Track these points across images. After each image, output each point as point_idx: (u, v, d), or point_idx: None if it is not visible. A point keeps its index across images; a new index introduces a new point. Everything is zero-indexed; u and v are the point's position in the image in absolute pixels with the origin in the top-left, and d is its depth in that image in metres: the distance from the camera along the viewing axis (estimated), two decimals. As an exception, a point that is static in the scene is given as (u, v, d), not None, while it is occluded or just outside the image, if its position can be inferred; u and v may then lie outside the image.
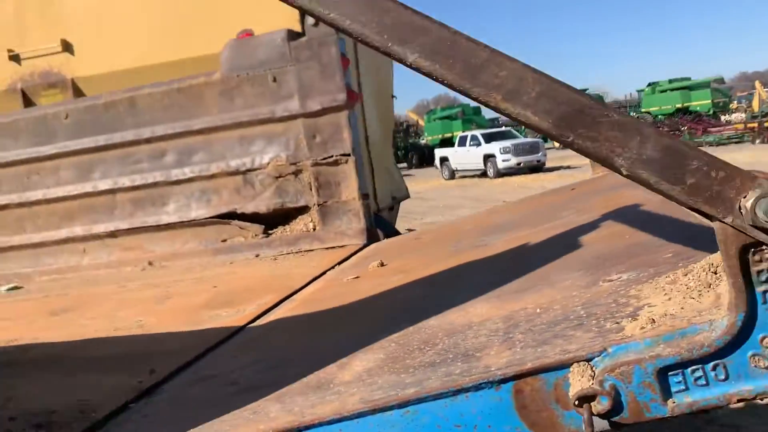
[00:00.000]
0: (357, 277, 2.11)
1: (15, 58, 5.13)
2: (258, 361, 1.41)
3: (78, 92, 5.04)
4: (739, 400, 0.76)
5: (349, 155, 3.05)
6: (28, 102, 5.14)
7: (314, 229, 3.14)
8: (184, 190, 3.25)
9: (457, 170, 26.90)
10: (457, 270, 1.82)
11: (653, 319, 0.81)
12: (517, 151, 23.85)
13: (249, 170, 3.16)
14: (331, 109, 3.05)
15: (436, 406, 0.82)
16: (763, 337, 0.75)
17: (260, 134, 3.14)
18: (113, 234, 3.35)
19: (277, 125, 3.12)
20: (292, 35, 3.08)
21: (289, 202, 3.15)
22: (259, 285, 2.35)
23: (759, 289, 0.74)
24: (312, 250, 3.07)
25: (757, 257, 0.73)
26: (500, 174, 24.20)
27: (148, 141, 3.25)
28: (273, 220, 3.19)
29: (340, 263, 2.64)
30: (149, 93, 3.27)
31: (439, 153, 28.27)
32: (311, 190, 3.11)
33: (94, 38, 5.03)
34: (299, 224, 3.16)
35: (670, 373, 0.77)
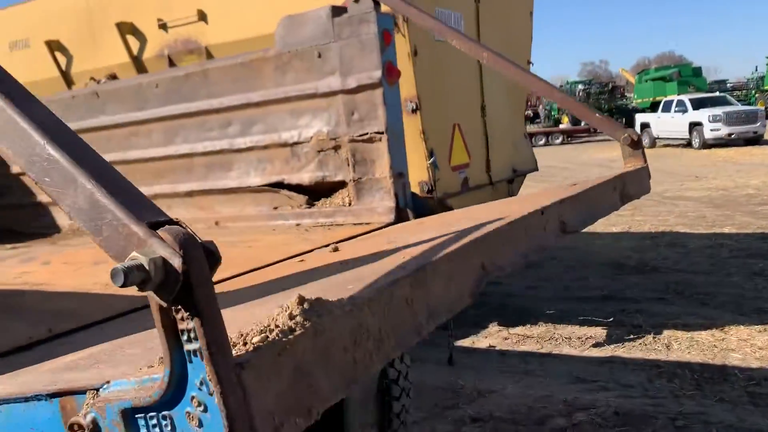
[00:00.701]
0: (302, 261, 2.16)
1: (163, 26, 5.75)
2: None
3: (211, 58, 5.54)
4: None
5: (382, 133, 3.05)
6: (173, 66, 5.77)
7: (350, 204, 3.21)
8: (245, 158, 3.49)
9: (658, 138, 24.74)
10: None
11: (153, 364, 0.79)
12: (730, 120, 21.24)
13: (296, 143, 3.30)
14: (368, 87, 3.06)
15: (16, 408, 0.89)
16: (193, 397, 0.70)
17: (306, 109, 3.25)
18: (190, 194, 3.72)
19: (320, 100, 3.21)
20: (337, 11, 3.12)
21: (329, 176, 3.24)
22: (245, 256, 2.50)
23: (186, 348, 0.69)
24: (343, 225, 3.16)
25: (180, 316, 0.68)
26: (707, 145, 21.80)
27: (217, 111, 3.53)
28: (316, 192, 3.32)
29: (345, 240, 2.69)
30: (219, 66, 3.53)
31: (639, 118, 26.16)
32: (348, 165, 3.17)
33: (225, 8, 5.47)
34: (338, 198, 3.25)
35: (137, 416, 0.76)
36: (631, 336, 5.52)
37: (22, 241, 4.07)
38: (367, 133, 3.09)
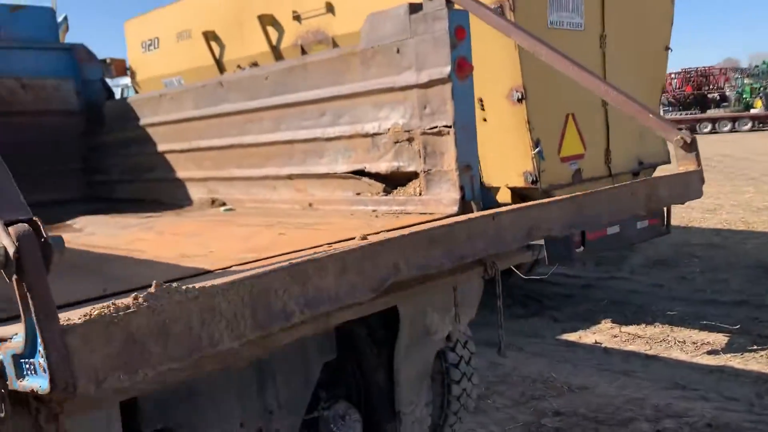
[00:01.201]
0: (328, 247, 2.38)
1: (297, 18, 6.19)
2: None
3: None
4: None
5: (450, 127, 3.16)
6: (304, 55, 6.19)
7: (420, 194, 3.37)
8: (334, 146, 3.77)
9: None
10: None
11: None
12: None
13: (376, 134, 3.51)
14: (438, 81, 3.18)
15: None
16: (40, 351, 0.95)
17: (386, 102, 3.45)
18: (290, 176, 4.08)
19: (398, 94, 3.38)
20: (414, 8, 3.26)
21: (403, 166, 3.42)
22: (295, 241, 2.77)
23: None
24: (412, 213, 3.33)
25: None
26: None
27: (313, 102, 3.84)
28: (392, 180, 3.51)
29: (396, 229, 2.87)
30: (316, 60, 3.82)
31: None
32: (420, 157, 3.33)
33: (350, 0, 5.75)
34: (410, 188, 3.42)
35: (21, 360, 1.02)
36: (754, 346, 5.11)
37: (159, 211, 4.70)
38: (436, 127, 3.22)
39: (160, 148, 5.21)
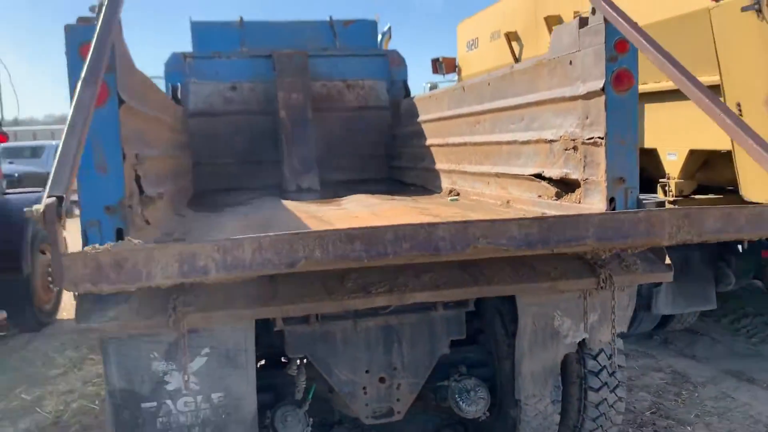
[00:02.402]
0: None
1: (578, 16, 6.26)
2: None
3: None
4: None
5: (602, 138, 3.21)
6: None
7: (579, 202, 3.46)
8: (526, 150, 4.04)
9: None
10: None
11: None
12: None
13: (553, 140, 3.69)
14: (595, 93, 3.24)
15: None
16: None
17: (561, 110, 3.60)
18: (497, 175, 4.47)
19: (569, 104, 3.51)
20: (583, 22, 3.34)
21: (570, 173, 3.54)
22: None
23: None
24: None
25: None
26: None
27: (515, 108, 4.15)
28: (564, 186, 3.65)
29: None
30: (518, 69, 4.11)
31: None
32: (582, 165, 3.42)
33: None
34: (574, 195, 3.53)
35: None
36: None
37: (410, 195, 5.54)
38: (593, 137, 3.29)
39: (427, 142, 6.03)
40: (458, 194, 5.17)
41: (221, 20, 7.31)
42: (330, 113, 7.38)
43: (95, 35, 2.46)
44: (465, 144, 5.05)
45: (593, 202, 3.33)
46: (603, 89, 3.18)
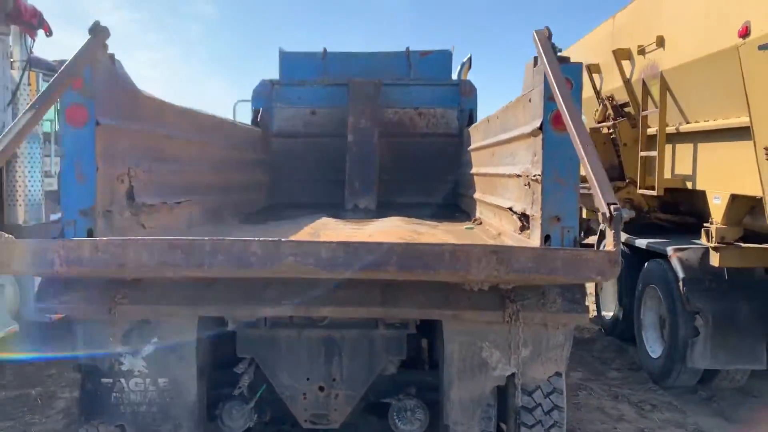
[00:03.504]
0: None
1: (641, 52, 6.09)
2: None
3: (664, 83, 5.65)
4: None
5: (539, 176, 3.25)
6: (646, 92, 6.08)
7: (529, 237, 3.50)
8: (508, 184, 4.11)
9: None
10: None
11: None
12: None
13: (518, 175, 3.75)
14: (537, 132, 3.29)
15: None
16: None
17: (523, 147, 3.66)
18: (497, 206, 4.55)
19: (526, 141, 3.58)
20: (535, 61, 3.41)
21: (526, 208, 3.59)
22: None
23: None
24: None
25: None
26: None
27: (505, 142, 4.24)
28: (525, 221, 3.69)
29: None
30: (509, 104, 4.20)
31: None
32: (530, 202, 3.47)
33: (677, 32, 5.43)
34: (529, 230, 3.56)
35: None
36: None
37: (446, 221, 5.69)
38: (536, 175, 3.34)
39: (471, 170, 6.17)
40: (480, 222, 5.27)
41: (307, 51, 7.95)
42: (401, 139, 7.73)
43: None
44: (484, 175, 5.16)
45: (535, 238, 3.37)
46: (540, 128, 3.23)
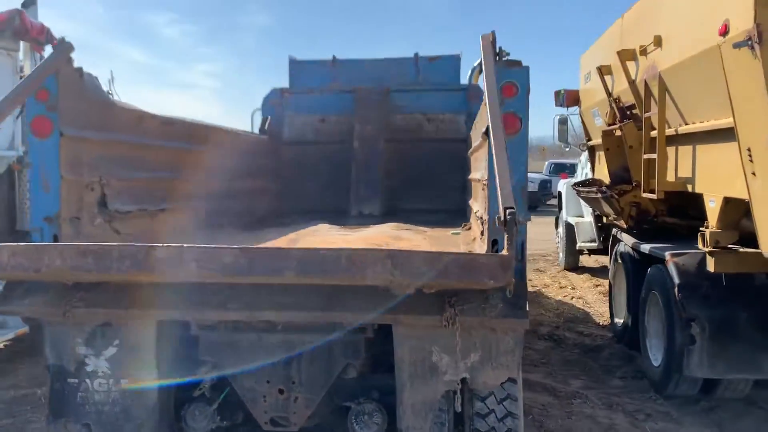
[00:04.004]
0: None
1: (643, 52, 5.94)
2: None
3: (662, 84, 5.51)
4: None
5: (485, 180, 3.23)
6: (648, 93, 5.93)
7: (481, 235, 3.48)
8: (477, 188, 4.09)
9: None
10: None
11: None
12: None
13: (477, 180, 3.73)
14: (485, 135, 3.27)
15: None
16: None
17: (484, 151, 3.64)
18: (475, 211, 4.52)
19: (485, 144, 3.55)
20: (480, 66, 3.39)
21: (482, 212, 3.56)
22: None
23: None
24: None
25: None
26: None
27: (479, 146, 4.21)
28: (483, 225, 3.67)
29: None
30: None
31: None
32: (484, 206, 3.45)
33: (673, 32, 5.29)
34: (477, 230, 3.54)
35: None
36: None
37: (438, 227, 5.68)
38: (483, 179, 3.33)
39: (468, 176, 6.14)
40: (469, 228, 5.24)
41: (316, 59, 8.07)
42: (408, 145, 7.76)
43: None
44: (471, 180, 5.15)
45: (486, 242, 3.35)
46: (486, 132, 3.21)
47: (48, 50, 5.89)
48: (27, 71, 5.97)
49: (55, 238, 3.39)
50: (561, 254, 12.36)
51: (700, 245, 5.03)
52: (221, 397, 3.75)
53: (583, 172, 11.19)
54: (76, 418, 3.52)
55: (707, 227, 4.95)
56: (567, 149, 12.35)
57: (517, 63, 3.31)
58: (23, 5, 5.80)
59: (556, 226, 12.91)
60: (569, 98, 10.19)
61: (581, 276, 11.42)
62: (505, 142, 2.81)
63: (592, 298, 9.54)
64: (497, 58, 3.30)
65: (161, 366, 3.50)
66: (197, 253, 2.43)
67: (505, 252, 2.38)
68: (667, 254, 5.36)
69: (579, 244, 10.92)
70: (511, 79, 3.23)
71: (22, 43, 5.74)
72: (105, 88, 9.64)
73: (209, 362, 3.71)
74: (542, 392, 5.61)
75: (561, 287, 10.53)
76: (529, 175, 7.75)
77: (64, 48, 3.46)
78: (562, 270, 12.11)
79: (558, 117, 13.49)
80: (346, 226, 5.89)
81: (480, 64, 8.52)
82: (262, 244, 4.27)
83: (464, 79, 8.23)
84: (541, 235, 14.38)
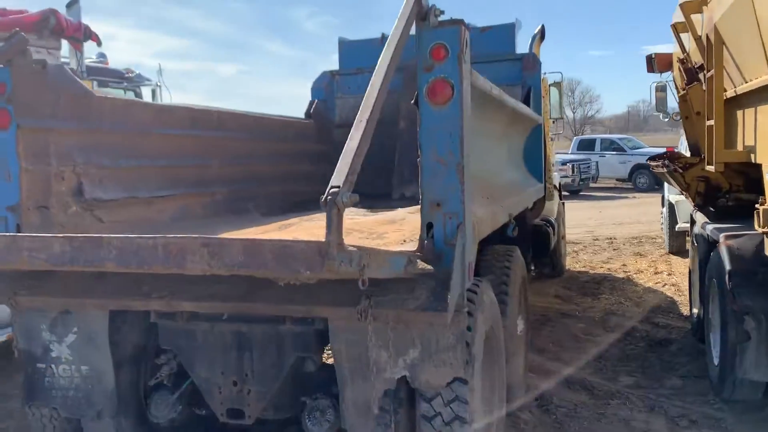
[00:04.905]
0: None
1: (704, 2, 5.12)
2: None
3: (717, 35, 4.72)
4: None
5: (417, 159, 2.87)
6: (710, 49, 5.12)
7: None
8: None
9: None
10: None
11: None
12: None
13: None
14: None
15: None
16: None
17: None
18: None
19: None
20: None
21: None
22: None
23: None
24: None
25: None
26: None
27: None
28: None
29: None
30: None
31: None
32: (430, 186, 3.09)
33: None
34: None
35: None
36: None
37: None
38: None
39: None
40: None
41: (365, 38, 7.81)
42: (460, 122, 7.31)
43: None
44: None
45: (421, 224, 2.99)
46: (415, 102, 2.85)
47: (87, 47, 6.17)
48: (74, 67, 6.29)
49: (18, 228, 3.47)
50: (665, 236, 11.26)
51: (756, 226, 4.25)
52: (183, 386, 3.70)
53: (684, 145, 10.09)
54: (45, 402, 3.61)
55: (762, 204, 4.16)
56: (666, 119, 11.17)
57: (451, 22, 2.89)
58: (67, 6, 6.10)
59: (662, 206, 11.78)
60: (661, 62, 9.17)
61: (686, 260, 10.32)
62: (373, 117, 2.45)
63: (687, 286, 8.57)
64: (425, 18, 2.91)
65: (116, 354, 3.49)
66: (29, 241, 2.35)
67: (324, 238, 2.06)
68: (721, 236, 4.60)
69: (678, 225, 9.87)
70: (440, 41, 2.83)
71: (64, 42, 6.05)
72: (153, 80, 9.98)
73: (170, 351, 3.67)
74: (579, 390, 5.07)
75: (656, 272, 9.58)
76: (558, 156, 7.24)
77: (14, 41, 3.52)
78: (666, 254, 11.03)
79: (655, 84, 12.25)
80: (371, 210, 5.64)
81: (541, 31, 7.93)
82: (251, 231, 4.15)
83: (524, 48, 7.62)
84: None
